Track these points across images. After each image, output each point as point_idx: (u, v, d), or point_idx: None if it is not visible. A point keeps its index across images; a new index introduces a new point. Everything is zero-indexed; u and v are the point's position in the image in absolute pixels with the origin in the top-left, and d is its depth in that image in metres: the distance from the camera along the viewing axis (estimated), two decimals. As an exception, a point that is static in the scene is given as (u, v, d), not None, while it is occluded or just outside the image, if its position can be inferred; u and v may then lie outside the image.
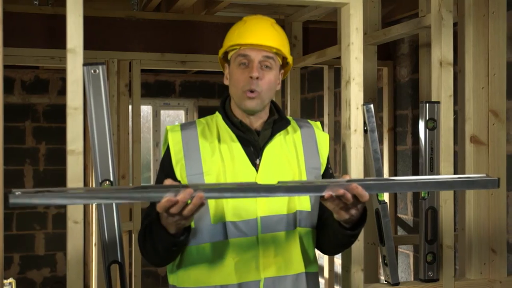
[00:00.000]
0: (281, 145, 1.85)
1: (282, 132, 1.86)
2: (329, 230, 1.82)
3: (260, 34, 1.80)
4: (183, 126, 1.85)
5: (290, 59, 1.89)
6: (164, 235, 1.64)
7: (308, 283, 1.82)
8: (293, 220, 1.79)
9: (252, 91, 1.78)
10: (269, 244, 1.76)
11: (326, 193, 1.58)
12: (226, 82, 1.87)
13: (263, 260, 1.75)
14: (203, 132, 1.83)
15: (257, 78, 1.77)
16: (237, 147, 1.80)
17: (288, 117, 1.94)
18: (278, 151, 1.83)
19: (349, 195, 1.58)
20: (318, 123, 1.97)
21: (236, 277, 1.74)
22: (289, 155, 1.84)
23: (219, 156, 1.79)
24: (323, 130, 2.17)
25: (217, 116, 1.87)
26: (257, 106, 1.80)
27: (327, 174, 1.90)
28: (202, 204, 1.54)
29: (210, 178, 1.76)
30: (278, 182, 1.57)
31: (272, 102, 1.90)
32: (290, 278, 1.78)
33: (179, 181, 1.78)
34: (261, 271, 1.75)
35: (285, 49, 1.86)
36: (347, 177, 1.63)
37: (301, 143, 1.87)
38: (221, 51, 1.89)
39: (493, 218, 2.54)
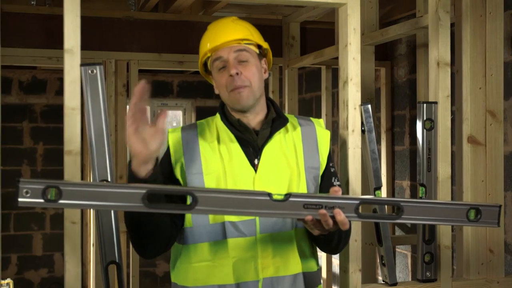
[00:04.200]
0: (281, 144, 1.83)
1: (281, 131, 1.85)
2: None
3: (223, 33, 1.82)
4: (183, 128, 1.86)
5: (264, 44, 1.88)
6: (136, 182, 1.58)
7: (306, 283, 1.82)
8: (290, 221, 1.79)
9: (238, 88, 1.78)
10: (268, 244, 1.75)
11: (306, 217, 1.55)
12: (216, 91, 1.87)
13: (262, 260, 1.75)
14: (203, 133, 1.84)
15: (237, 74, 1.77)
16: (236, 147, 1.80)
17: (290, 115, 1.93)
18: (277, 151, 1.82)
19: (330, 222, 1.56)
20: (321, 120, 1.96)
21: (234, 277, 1.74)
22: (288, 154, 1.83)
23: (219, 157, 1.79)
24: (324, 129, 2.15)
25: (217, 117, 1.87)
26: (248, 99, 1.79)
27: (327, 173, 1.88)
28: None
29: (209, 178, 1.76)
30: (280, 195, 1.54)
31: (269, 99, 1.90)
32: (289, 278, 1.77)
33: (178, 179, 1.78)
34: (260, 271, 1.75)
35: (254, 37, 1.85)
36: (339, 192, 1.59)
37: (300, 141, 1.86)
38: (199, 65, 1.91)
39: (491, 218, 2.53)
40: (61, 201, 1.41)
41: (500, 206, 1.61)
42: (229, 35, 1.81)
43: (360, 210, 1.57)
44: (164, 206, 1.54)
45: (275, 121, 1.85)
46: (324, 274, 4.46)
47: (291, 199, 1.53)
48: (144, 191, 1.45)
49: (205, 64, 1.91)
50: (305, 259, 1.83)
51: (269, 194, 1.52)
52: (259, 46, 1.87)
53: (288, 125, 1.87)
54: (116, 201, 1.44)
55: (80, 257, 2.00)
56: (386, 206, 2.45)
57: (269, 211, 1.53)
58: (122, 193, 1.44)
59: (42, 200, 1.40)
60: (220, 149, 1.80)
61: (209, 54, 1.83)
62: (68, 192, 1.41)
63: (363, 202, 1.58)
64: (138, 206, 1.45)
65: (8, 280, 2.36)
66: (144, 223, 1.68)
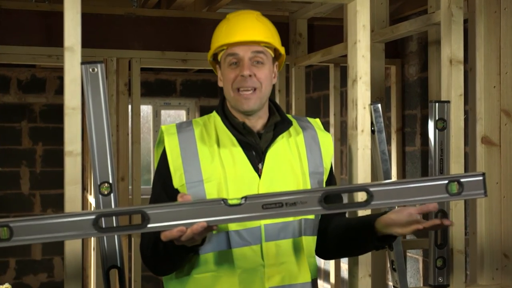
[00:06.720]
0: (284, 149, 1.80)
1: (284, 134, 1.82)
2: (351, 239, 1.81)
3: (246, 30, 1.76)
4: (179, 128, 1.79)
5: (282, 49, 1.84)
6: (180, 248, 1.59)
7: None
8: (298, 228, 1.76)
9: (248, 90, 1.74)
10: (274, 253, 1.73)
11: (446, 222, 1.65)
12: (220, 84, 1.83)
13: (268, 269, 1.72)
14: (201, 135, 1.78)
15: (250, 75, 1.73)
16: (239, 151, 1.75)
17: (288, 115, 1.90)
18: (281, 155, 1.79)
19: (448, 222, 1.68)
20: (318, 120, 1.94)
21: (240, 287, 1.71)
22: (292, 159, 1.80)
23: (219, 162, 1.73)
24: (328, 130, 2.13)
25: (215, 117, 1.82)
26: (255, 105, 1.76)
27: (332, 179, 1.88)
28: (210, 229, 1.51)
29: (210, 186, 1.71)
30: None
31: (272, 102, 1.87)
32: (300, 286, 1.75)
33: (177, 189, 1.73)
34: (266, 281, 1.72)
35: (275, 40, 1.81)
36: None
37: (304, 146, 1.84)
38: (210, 54, 1.85)
39: (506, 222, 2.51)
40: (14, 238, 1.43)
41: (483, 174, 1.53)
42: (251, 34, 1.76)
43: (324, 202, 1.51)
44: (116, 229, 1.56)
45: (278, 125, 1.82)
46: (332, 279, 4.47)
47: (248, 201, 1.50)
48: (93, 217, 1.47)
49: (215, 54, 1.85)
50: (311, 268, 1.81)
51: (224, 200, 1.49)
52: (274, 49, 1.83)
53: (291, 129, 1.84)
54: (67, 230, 1.47)
55: (81, 261, 1.96)
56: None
57: (226, 217, 1.51)
58: (72, 222, 1.46)
59: None
60: (221, 153, 1.75)
61: (225, 47, 1.78)
62: (19, 229, 1.43)
63: (327, 192, 1.53)
64: (90, 233, 1.48)
65: (7, 285, 2.32)
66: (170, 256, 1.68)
